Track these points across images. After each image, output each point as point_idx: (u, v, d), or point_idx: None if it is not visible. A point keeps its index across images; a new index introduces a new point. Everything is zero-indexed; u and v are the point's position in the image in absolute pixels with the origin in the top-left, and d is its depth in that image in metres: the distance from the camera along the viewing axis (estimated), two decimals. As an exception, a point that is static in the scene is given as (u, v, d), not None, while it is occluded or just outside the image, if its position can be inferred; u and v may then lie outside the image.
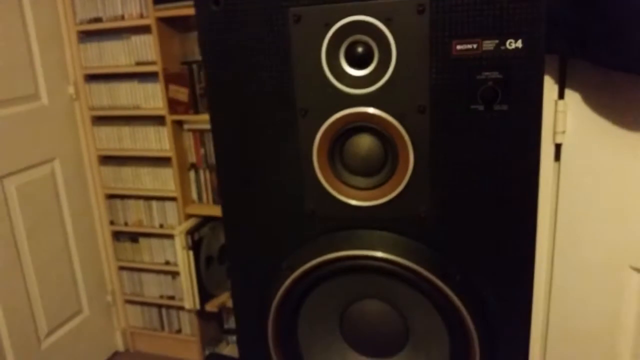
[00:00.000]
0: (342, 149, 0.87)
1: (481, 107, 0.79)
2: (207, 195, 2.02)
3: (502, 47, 0.77)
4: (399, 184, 0.86)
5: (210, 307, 1.99)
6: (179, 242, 1.91)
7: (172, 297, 2.18)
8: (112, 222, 2.19)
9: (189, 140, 2.00)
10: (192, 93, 1.88)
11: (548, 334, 1.22)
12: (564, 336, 1.20)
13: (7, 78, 1.82)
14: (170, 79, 1.89)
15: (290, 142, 0.88)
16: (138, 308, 2.26)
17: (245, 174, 0.93)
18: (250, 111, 0.89)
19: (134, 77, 2.02)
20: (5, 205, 1.83)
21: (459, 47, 0.78)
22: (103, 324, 2.26)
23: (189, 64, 1.90)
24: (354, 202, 0.88)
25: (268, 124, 0.88)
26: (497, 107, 0.79)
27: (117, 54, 2.02)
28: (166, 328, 2.23)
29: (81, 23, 2.02)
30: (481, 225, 0.86)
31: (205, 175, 2.00)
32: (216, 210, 1.97)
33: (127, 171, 2.12)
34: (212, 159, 1.98)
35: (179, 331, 2.21)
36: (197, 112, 1.90)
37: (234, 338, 2.17)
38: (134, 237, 2.18)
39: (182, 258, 1.92)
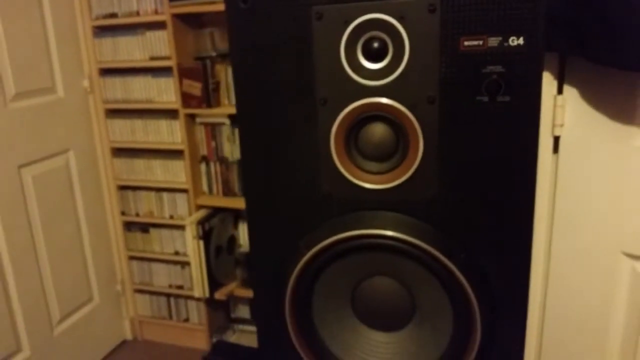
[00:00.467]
0: (357, 135, 0.96)
1: (486, 99, 0.88)
2: (218, 187, 2.11)
3: (506, 44, 0.86)
4: (409, 169, 0.95)
5: (219, 295, 2.08)
6: (190, 231, 2.00)
7: (180, 287, 2.27)
8: (123, 213, 2.28)
9: (200, 134, 2.09)
10: (205, 87, 1.97)
11: (545, 315, 1.31)
12: (560, 318, 1.29)
13: (26, 71, 1.91)
14: (184, 73, 1.98)
15: (310, 128, 0.97)
16: (147, 297, 2.35)
17: (267, 159, 1.02)
18: (273, 100, 0.98)
19: (148, 72, 2.11)
20: (22, 194, 1.91)
21: (466, 43, 0.87)
22: (112, 312, 2.35)
23: (202, 59, 1.99)
24: (367, 185, 0.97)
25: (290, 112, 0.97)
26: (500, 99, 0.88)
27: (131, 49, 2.11)
28: (174, 317, 2.32)
29: (97, 18, 2.11)
30: (484, 208, 0.95)
31: (215, 168, 2.09)
32: (226, 202, 2.07)
33: (139, 163, 2.21)
34: (223, 152, 2.07)
35: (186, 320, 2.30)
36: (209, 106, 1.99)
37: (240, 327, 2.26)
38: (144, 228, 2.27)
39: (193, 247, 2.01)
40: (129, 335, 2.41)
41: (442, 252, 0.94)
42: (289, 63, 0.95)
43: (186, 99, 2.00)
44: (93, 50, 2.15)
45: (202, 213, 2.08)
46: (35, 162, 1.97)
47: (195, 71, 1.97)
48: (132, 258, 2.32)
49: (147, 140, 2.18)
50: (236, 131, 2.02)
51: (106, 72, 2.17)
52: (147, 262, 2.30)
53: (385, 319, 1.03)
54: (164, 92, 2.11)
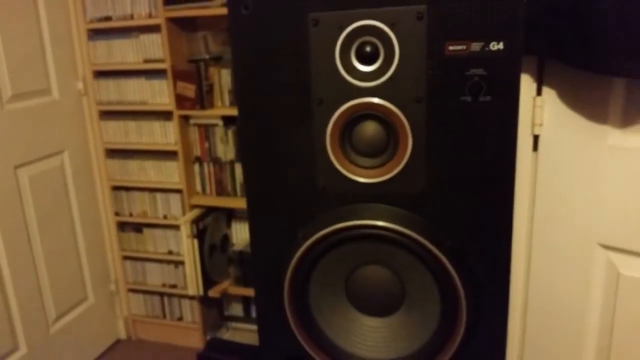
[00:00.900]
0: (351, 133, 1.05)
1: (469, 99, 0.98)
2: (211, 187, 2.19)
3: (487, 49, 0.95)
4: (399, 163, 1.04)
5: (213, 293, 2.16)
6: (185, 230, 2.07)
7: (174, 286, 2.34)
8: (117, 213, 2.35)
9: (194, 135, 2.17)
10: (199, 89, 2.05)
11: (528, 301, 1.41)
12: (542, 306, 1.38)
13: (22, 73, 1.98)
14: (178, 75, 2.06)
15: (307, 127, 1.06)
16: (140, 296, 2.42)
17: (266, 156, 1.10)
18: (272, 101, 1.07)
19: (142, 74, 2.19)
20: (18, 194, 1.98)
21: (450, 48, 0.96)
22: (107, 311, 2.41)
23: (195, 62, 2.08)
24: (360, 179, 1.06)
25: (288, 112, 1.06)
26: (482, 99, 0.97)
27: (125, 52, 2.19)
28: (168, 316, 2.39)
29: (91, 21, 2.18)
30: (468, 200, 1.04)
31: (209, 168, 2.17)
32: (219, 202, 2.15)
33: (132, 164, 2.28)
34: (216, 153, 2.16)
35: (180, 319, 2.37)
36: (202, 107, 2.07)
37: (234, 324, 2.34)
38: (138, 228, 2.34)
39: (187, 246, 2.09)
40: (123, 335, 2.47)
41: (430, 241, 1.03)
42: (287, 65, 1.04)
43: (180, 100, 2.08)
44: (87, 52, 2.22)
45: (196, 212, 2.15)
46: (31, 162, 2.03)
47: (189, 73, 2.05)
48: (125, 258, 2.39)
49: (141, 141, 2.25)
50: (229, 132, 2.11)
51: (100, 74, 2.24)
52: (141, 261, 2.37)
53: (377, 305, 1.12)
54: (158, 94, 2.19)
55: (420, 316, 1.10)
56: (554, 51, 1.18)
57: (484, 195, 1.03)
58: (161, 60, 2.12)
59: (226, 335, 2.28)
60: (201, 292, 2.13)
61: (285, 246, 1.13)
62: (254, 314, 2.34)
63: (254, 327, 2.28)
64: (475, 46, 0.95)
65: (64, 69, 2.17)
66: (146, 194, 2.30)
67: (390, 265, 1.10)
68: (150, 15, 2.09)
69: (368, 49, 0.99)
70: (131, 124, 2.25)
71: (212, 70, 2.09)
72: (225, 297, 2.35)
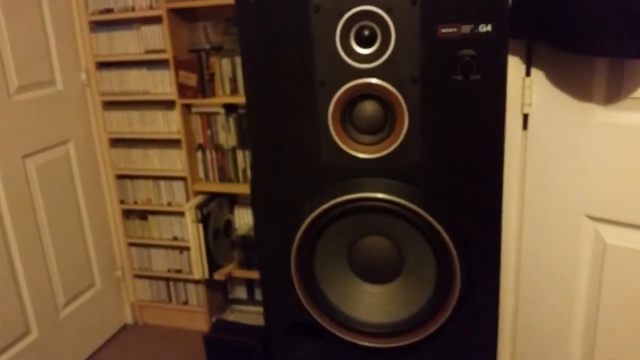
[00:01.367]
0: (352, 112, 1.15)
1: (460, 78, 1.07)
2: (214, 173, 2.28)
3: (476, 31, 1.05)
4: (397, 140, 1.14)
5: (218, 276, 2.25)
6: (189, 216, 2.16)
7: (179, 271, 2.43)
8: (122, 201, 2.44)
9: (196, 123, 2.26)
10: (201, 78, 2.14)
11: (520, 273, 1.51)
12: (533, 275, 1.48)
13: (27, 65, 2.06)
14: (180, 65, 2.15)
15: (310, 107, 1.15)
16: (146, 282, 2.52)
17: (273, 136, 1.19)
18: (278, 84, 1.16)
19: (143, 65, 2.27)
20: (27, 183, 2.06)
21: (443, 30, 1.06)
22: (113, 297, 2.51)
23: (197, 51, 2.16)
24: (360, 155, 1.16)
25: (292, 93, 1.16)
26: (472, 77, 1.07)
27: (127, 43, 2.27)
28: (174, 300, 2.49)
29: (93, 14, 2.26)
30: (462, 172, 1.14)
31: (211, 155, 2.26)
32: (222, 187, 2.24)
33: (136, 153, 2.37)
34: (218, 140, 2.24)
35: (185, 303, 2.47)
36: (204, 96, 2.16)
37: (238, 307, 2.44)
38: (142, 215, 2.43)
39: (192, 231, 2.18)
40: (129, 320, 2.57)
41: (426, 211, 1.13)
42: (291, 50, 1.13)
43: (182, 89, 2.17)
44: (90, 44, 2.30)
45: (199, 198, 2.24)
46: (38, 152, 2.12)
47: (190, 63, 2.14)
48: (131, 244, 2.49)
49: (144, 130, 2.34)
50: (231, 120, 2.20)
51: (103, 65, 2.33)
52: (146, 248, 2.47)
53: (377, 273, 1.22)
54: (160, 84, 2.27)
55: (418, 282, 1.20)
56: (540, 34, 1.27)
57: (475, 168, 1.13)
58: (163, 51, 2.20)
59: (231, 317, 2.38)
60: (207, 276, 2.23)
61: (291, 219, 1.22)
62: (257, 296, 2.44)
63: (258, 309, 2.38)
64: (466, 28, 1.05)
65: (67, 60, 2.25)
66: (150, 182, 2.38)
67: (389, 235, 1.20)
68: (151, 7, 2.17)
69: (366, 32, 1.08)
70: (134, 114, 2.34)
71: (213, 60, 2.17)
72: (230, 281, 2.45)
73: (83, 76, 2.32)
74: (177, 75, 2.16)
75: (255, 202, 1.26)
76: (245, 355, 2.11)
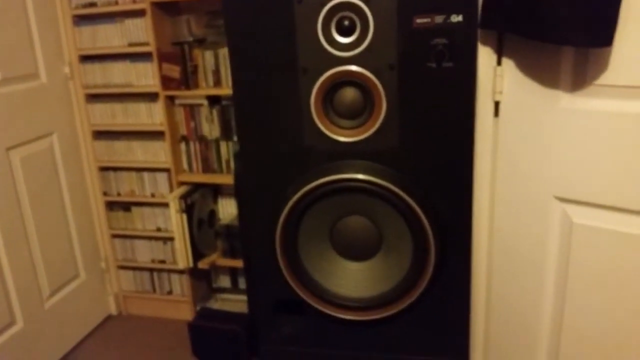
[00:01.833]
0: (333, 98, 1.23)
1: (434, 65, 1.16)
2: (197, 164, 2.34)
3: (448, 21, 1.14)
4: (375, 124, 1.22)
5: (202, 264, 2.32)
6: (174, 206, 2.23)
7: (163, 261, 2.50)
8: (105, 193, 2.49)
9: (180, 115, 2.32)
10: (184, 70, 2.21)
11: (492, 250, 1.60)
12: (505, 253, 1.57)
13: (11, 58, 2.10)
14: (163, 57, 2.21)
15: (294, 94, 1.23)
16: (130, 273, 2.57)
17: (259, 121, 1.27)
18: (263, 72, 1.24)
19: (126, 58, 2.33)
20: (11, 175, 2.11)
21: (417, 20, 1.15)
22: (97, 288, 2.56)
23: (180, 44, 2.22)
24: (341, 139, 1.24)
25: (277, 81, 1.24)
26: (445, 64, 1.16)
27: (110, 36, 2.33)
28: (158, 290, 2.55)
29: (76, 7, 2.31)
30: (436, 155, 1.23)
31: (195, 146, 2.33)
32: (205, 178, 2.31)
33: (119, 145, 2.43)
34: (202, 131, 2.31)
35: (170, 292, 2.53)
36: (188, 88, 2.22)
37: (222, 296, 2.51)
38: (126, 207, 2.49)
39: (177, 221, 2.24)
40: (114, 310, 2.63)
41: (403, 190, 1.22)
42: (275, 39, 1.21)
43: (166, 81, 2.23)
44: (73, 38, 2.35)
45: (183, 189, 2.31)
46: (22, 144, 2.16)
47: (174, 55, 2.20)
48: (114, 236, 2.54)
49: (127, 122, 2.40)
50: (214, 111, 2.27)
51: (86, 58, 2.38)
52: (130, 239, 2.52)
53: (358, 250, 1.31)
54: (143, 76, 2.33)
55: (396, 258, 1.29)
56: (510, 25, 1.36)
57: (448, 150, 1.22)
58: (146, 44, 2.26)
59: (215, 305, 2.45)
60: (191, 264, 2.29)
61: (275, 202, 1.30)
62: (241, 285, 2.51)
63: (242, 297, 2.45)
64: (439, 19, 1.14)
65: (50, 54, 2.29)
66: (133, 174, 2.44)
67: (369, 214, 1.28)
68: (134, 1, 2.23)
69: (346, 22, 1.17)
70: (117, 106, 2.39)
71: (196, 52, 2.23)
72: (214, 270, 2.52)
73: (66, 69, 2.37)
74: (160, 68, 2.22)
75: (241, 185, 1.34)
76: (230, 341, 2.19)
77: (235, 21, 1.22)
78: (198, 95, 2.26)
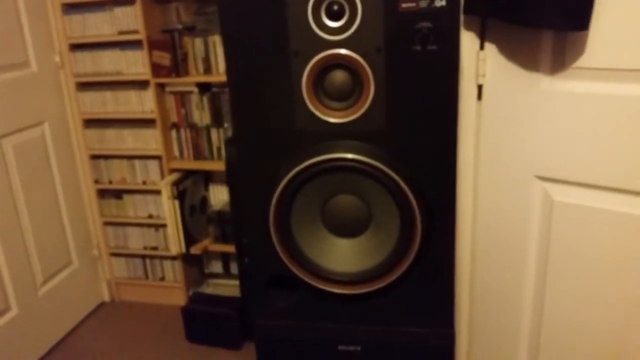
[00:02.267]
0: (323, 80, 1.30)
1: (419, 48, 1.23)
2: (188, 151, 2.40)
3: (432, 5, 1.21)
4: (364, 105, 1.29)
5: (195, 250, 2.38)
6: (166, 192, 2.29)
7: (155, 248, 2.55)
8: (96, 181, 2.54)
9: (170, 102, 2.38)
10: (174, 58, 2.26)
11: (476, 229, 1.68)
12: (488, 232, 1.64)
13: (1, 47, 2.14)
14: (154, 45, 2.26)
15: (286, 77, 1.30)
16: (122, 260, 2.63)
17: (252, 103, 1.34)
18: (256, 56, 1.30)
19: (116, 46, 2.37)
20: (4, 163, 2.15)
21: (403, 5, 1.21)
22: (90, 275, 2.61)
23: (169, 32, 2.27)
24: (332, 120, 1.31)
25: (269, 64, 1.30)
26: (430, 47, 1.23)
27: (100, 25, 2.37)
28: (150, 277, 2.61)
29: (65, -4, 2.36)
30: (422, 135, 1.30)
31: (186, 134, 2.38)
32: (196, 165, 2.37)
33: (110, 133, 2.47)
34: (192, 119, 2.37)
35: (162, 279, 2.59)
36: (178, 75, 2.27)
37: (214, 281, 2.57)
38: (118, 194, 2.54)
39: (169, 207, 2.30)
40: (106, 297, 2.68)
41: (391, 169, 1.28)
42: (267, 24, 1.27)
43: (156, 69, 2.28)
44: (63, 26, 2.39)
45: (175, 176, 2.37)
46: (14, 132, 2.20)
47: (164, 43, 2.25)
48: (106, 224, 2.59)
49: (118, 110, 2.44)
50: (204, 98, 2.32)
51: (76, 47, 2.42)
52: (122, 226, 2.58)
53: (348, 228, 1.38)
54: (133, 64, 2.37)
55: (384, 235, 1.36)
56: (492, 10, 1.43)
57: (433, 131, 1.29)
58: (136, 32, 2.30)
59: (208, 290, 2.51)
60: (183, 250, 2.35)
61: (268, 183, 1.37)
62: (233, 269, 2.58)
63: (234, 282, 2.51)
64: (423, 3, 1.20)
65: (41, 42, 2.33)
66: (124, 161, 2.49)
67: (358, 193, 1.35)
68: (124, -11, 2.28)
69: (335, 7, 1.23)
70: (108, 94, 2.44)
71: (186, 40, 2.29)
72: (206, 255, 2.58)
73: (57, 58, 2.41)
74: (150, 55, 2.27)
75: (234, 169, 1.40)
76: (223, 325, 2.26)
77: (228, 6, 1.28)
78: (188, 82, 2.31)
